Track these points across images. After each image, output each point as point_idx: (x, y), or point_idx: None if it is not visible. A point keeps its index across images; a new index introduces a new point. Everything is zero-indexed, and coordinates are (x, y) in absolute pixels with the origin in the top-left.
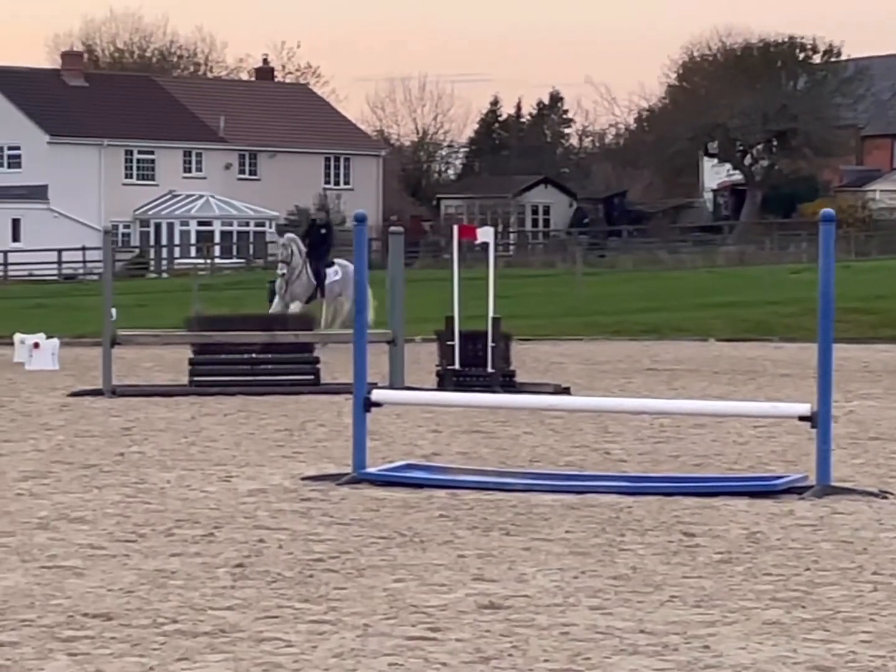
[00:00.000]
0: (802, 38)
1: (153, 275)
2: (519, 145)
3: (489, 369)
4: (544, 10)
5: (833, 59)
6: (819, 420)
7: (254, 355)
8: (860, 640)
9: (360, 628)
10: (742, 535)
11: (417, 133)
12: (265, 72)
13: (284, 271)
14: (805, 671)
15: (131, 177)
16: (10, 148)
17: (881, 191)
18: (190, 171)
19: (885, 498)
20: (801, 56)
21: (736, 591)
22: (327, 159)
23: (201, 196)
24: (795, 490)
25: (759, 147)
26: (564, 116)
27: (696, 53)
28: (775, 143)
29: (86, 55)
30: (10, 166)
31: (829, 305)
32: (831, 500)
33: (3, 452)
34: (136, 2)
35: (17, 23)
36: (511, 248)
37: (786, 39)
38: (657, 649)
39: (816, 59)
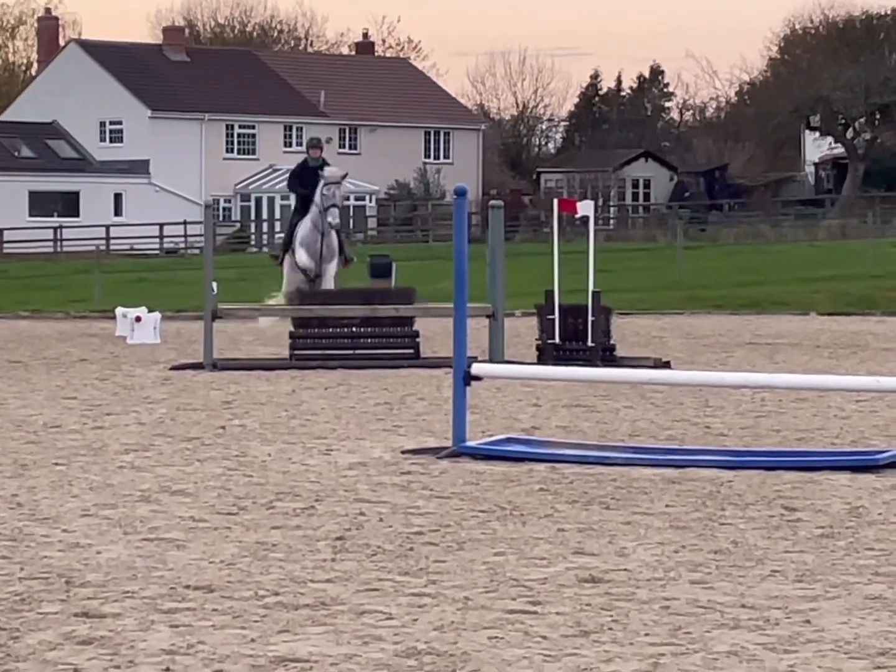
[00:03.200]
0: None
1: (254, 249)
2: (619, 119)
3: (589, 343)
4: None
5: None
6: None
7: (354, 329)
8: None
9: (460, 601)
10: (844, 509)
11: (517, 107)
12: (365, 46)
13: (336, 220)
14: None
15: (232, 151)
16: (112, 123)
17: None
18: (290, 145)
19: None
20: None
21: (838, 566)
22: (427, 133)
23: None
24: None
25: (862, 120)
26: (665, 90)
27: (797, 26)
28: (878, 116)
29: (187, 30)
30: (112, 141)
31: None
32: None
33: (105, 425)
34: None
35: None
36: (611, 221)
37: (889, 11)
38: (758, 624)
39: None
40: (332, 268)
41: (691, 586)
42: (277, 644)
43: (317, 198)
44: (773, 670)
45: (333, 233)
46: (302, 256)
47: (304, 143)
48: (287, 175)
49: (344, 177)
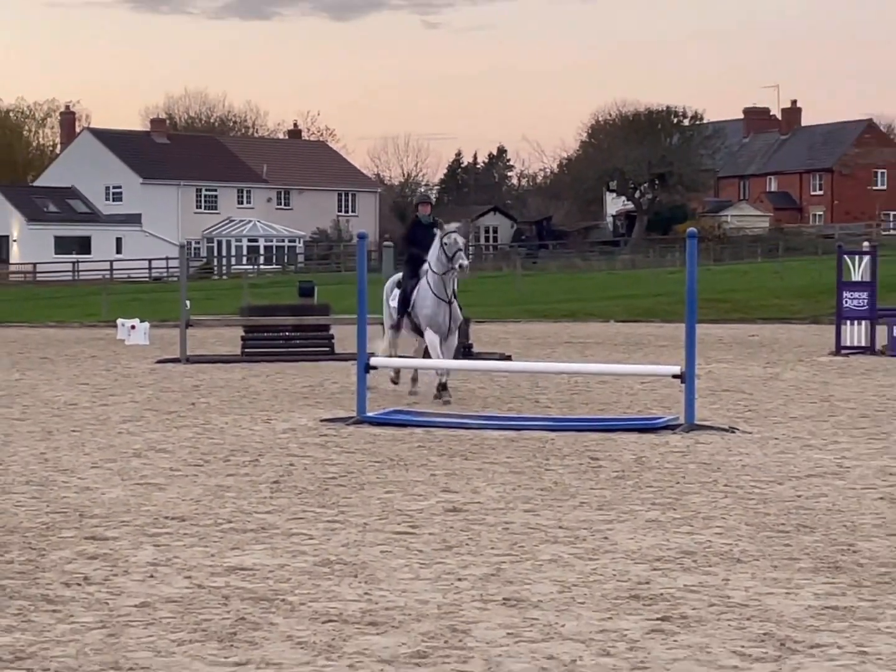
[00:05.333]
0: (676, 107)
1: (216, 277)
2: (475, 184)
3: None
4: (493, 87)
5: (698, 122)
6: (686, 377)
7: (287, 333)
8: (714, 533)
9: (360, 526)
10: (632, 458)
11: (404, 176)
12: (295, 132)
13: (465, 261)
14: (676, 555)
15: (200, 207)
16: (114, 187)
17: (731, 216)
18: (242, 203)
19: (733, 432)
20: (675, 120)
21: (627, 499)
22: (339, 195)
23: (250, 221)
24: (670, 427)
25: (646, 185)
26: (508, 163)
27: (600, 118)
28: (657, 182)
29: (167, 121)
30: (114, 200)
31: (693, 296)
32: (695, 434)
33: (108, 403)
34: (203, 83)
35: (119, 99)
36: (470, 256)
37: (664, 108)
38: (571, 539)
39: (686, 122)
40: (454, 340)
41: (524, 513)
42: (230, 558)
43: (435, 252)
44: (581, 572)
45: (455, 303)
46: (431, 337)
47: (414, 200)
48: (241, 226)
49: (458, 228)
